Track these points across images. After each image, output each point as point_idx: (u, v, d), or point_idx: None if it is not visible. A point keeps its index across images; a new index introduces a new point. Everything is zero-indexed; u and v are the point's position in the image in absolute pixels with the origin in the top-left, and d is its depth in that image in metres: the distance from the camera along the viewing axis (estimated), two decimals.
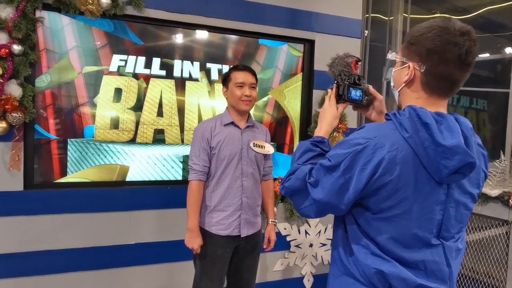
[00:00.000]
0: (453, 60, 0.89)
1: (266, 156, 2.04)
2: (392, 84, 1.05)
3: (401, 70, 0.98)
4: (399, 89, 1.00)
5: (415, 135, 0.87)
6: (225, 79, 1.98)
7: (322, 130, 1.17)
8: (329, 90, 1.22)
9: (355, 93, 1.17)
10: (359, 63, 1.21)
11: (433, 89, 0.94)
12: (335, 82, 1.20)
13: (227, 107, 1.99)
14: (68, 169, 2.28)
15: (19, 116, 2.02)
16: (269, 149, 2.02)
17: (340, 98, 1.19)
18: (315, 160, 1.04)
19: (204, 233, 1.89)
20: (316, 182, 0.96)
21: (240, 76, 1.91)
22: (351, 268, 0.97)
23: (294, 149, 1.13)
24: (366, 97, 1.17)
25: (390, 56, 1.04)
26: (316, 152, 1.07)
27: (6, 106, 1.98)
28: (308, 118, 2.87)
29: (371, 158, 0.88)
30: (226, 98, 1.98)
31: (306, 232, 2.87)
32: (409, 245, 0.92)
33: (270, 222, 2.09)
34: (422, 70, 0.92)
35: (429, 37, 0.90)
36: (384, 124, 0.95)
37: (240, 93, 1.89)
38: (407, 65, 0.96)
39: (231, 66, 2.01)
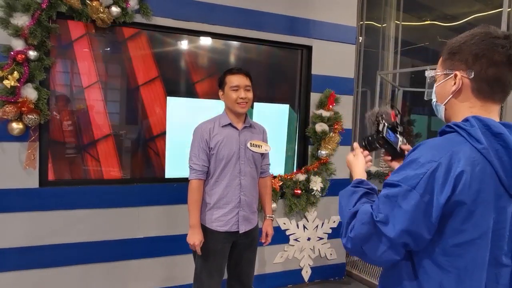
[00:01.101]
0: (503, 61, 0.85)
1: (263, 155, 2.07)
2: (434, 100, 0.98)
3: (445, 83, 0.93)
4: (445, 102, 0.94)
5: (489, 146, 0.81)
6: (221, 82, 1.98)
7: (356, 175, 1.11)
8: (355, 144, 1.20)
9: (391, 135, 1.15)
10: (398, 116, 1.21)
11: (486, 95, 0.88)
12: (376, 119, 1.18)
13: (225, 109, 2.01)
14: None
15: (35, 117, 2.13)
16: (266, 148, 2.05)
17: (378, 134, 1.15)
18: (364, 198, 0.96)
19: (204, 229, 1.93)
20: (386, 217, 0.83)
21: (235, 80, 1.92)
22: None
23: (338, 203, 1.04)
24: (400, 145, 1.15)
25: (429, 73, 0.98)
26: (361, 191, 0.98)
27: (23, 109, 2.09)
28: (306, 119, 3.01)
29: (449, 174, 0.79)
30: (224, 101, 2.00)
31: (304, 227, 2.99)
32: (482, 267, 0.82)
33: (267, 218, 2.13)
34: (471, 77, 0.87)
35: (473, 43, 0.87)
36: (449, 137, 0.86)
37: (236, 96, 1.91)
38: (451, 75, 0.91)
39: (226, 70, 2.01)
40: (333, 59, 3.00)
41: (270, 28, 2.78)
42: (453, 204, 0.80)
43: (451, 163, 0.80)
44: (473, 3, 3.92)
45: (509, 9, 2.74)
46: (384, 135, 1.15)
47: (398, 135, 1.17)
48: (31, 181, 2.23)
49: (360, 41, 3.90)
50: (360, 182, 1.03)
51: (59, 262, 2.31)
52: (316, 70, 2.96)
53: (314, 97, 2.97)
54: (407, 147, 1.17)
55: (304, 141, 3.03)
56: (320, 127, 2.90)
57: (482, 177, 0.80)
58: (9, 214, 2.19)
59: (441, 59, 0.96)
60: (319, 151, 2.94)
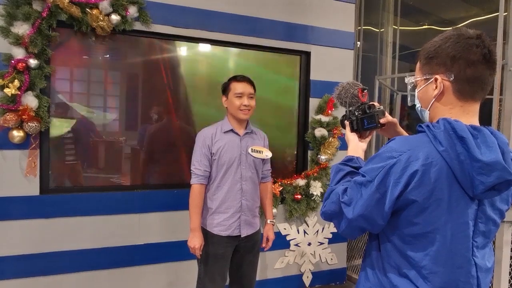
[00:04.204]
0: (480, 60, 0.88)
1: (264, 160, 2.11)
2: (418, 105, 1.01)
3: (426, 87, 0.95)
4: (429, 107, 0.96)
5: (450, 149, 0.84)
6: (225, 89, 2.03)
7: (348, 151, 1.16)
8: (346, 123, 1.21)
9: (369, 122, 1.14)
10: (365, 91, 1.18)
11: (466, 95, 0.91)
12: (347, 120, 1.19)
13: (227, 115, 2.05)
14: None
15: (35, 125, 2.14)
16: (267, 153, 2.09)
17: (357, 132, 1.17)
18: (347, 178, 1.02)
19: (206, 233, 1.97)
20: (350, 200, 0.93)
21: (239, 87, 1.97)
22: (383, 282, 0.95)
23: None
24: (381, 120, 1.13)
25: (409, 79, 1.01)
26: (346, 170, 1.05)
27: (23, 116, 2.11)
28: (305, 124, 3.02)
29: (404, 171, 0.85)
30: (226, 107, 2.03)
31: (304, 232, 2.99)
32: (446, 263, 0.88)
33: (268, 222, 2.16)
34: (451, 79, 0.90)
35: (448, 46, 0.89)
36: (417, 136, 0.91)
37: (239, 103, 1.95)
38: (432, 79, 0.93)
39: (231, 77, 2.05)
40: (332, 65, 3.02)
41: (268, 35, 2.80)
42: (405, 199, 0.87)
43: (409, 161, 0.85)
44: (470, 7, 3.97)
45: (505, 14, 2.77)
46: (362, 130, 1.16)
47: (373, 111, 1.13)
48: (32, 188, 2.23)
49: (358, 46, 3.93)
50: (349, 160, 1.09)
51: (60, 269, 2.31)
52: (314, 75, 2.98)
53: (313, 102, 2.98)
54: (386, 118, 1.14)
55: (304, 146, 3.04)
56: (319, 132, 2.92)
57: (438, 178, 0.85)
58: (10, 221, 2.19)
59: (418, 64, 0.98)
60: (319, 156, 2.95)
